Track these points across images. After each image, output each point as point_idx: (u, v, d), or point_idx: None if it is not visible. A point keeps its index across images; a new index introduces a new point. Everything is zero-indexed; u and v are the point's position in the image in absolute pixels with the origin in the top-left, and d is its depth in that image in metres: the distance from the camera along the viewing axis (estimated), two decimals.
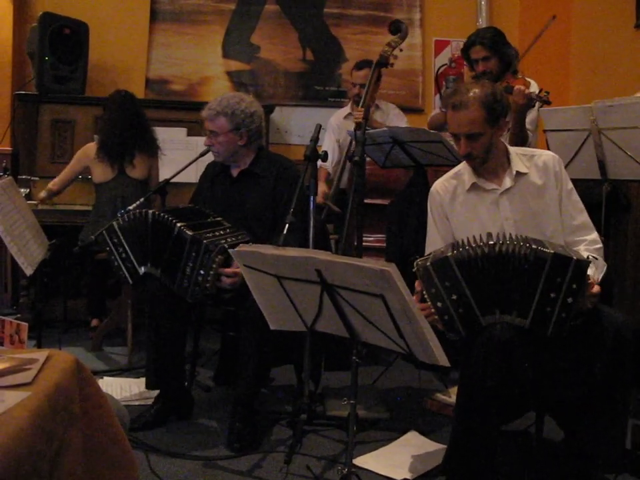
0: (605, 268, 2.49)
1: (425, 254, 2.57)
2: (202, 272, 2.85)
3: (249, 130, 3.19)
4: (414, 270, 2.31)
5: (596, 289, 2.28)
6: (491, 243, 2.28)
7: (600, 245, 2.54)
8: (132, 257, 3.08)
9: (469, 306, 2.27)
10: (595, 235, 2.56)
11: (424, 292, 2.30)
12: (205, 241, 2.85)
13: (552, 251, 2.21)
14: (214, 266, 2.84)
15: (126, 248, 3.07)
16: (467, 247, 2.28)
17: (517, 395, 2.41)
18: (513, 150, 2.63)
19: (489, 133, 2.50)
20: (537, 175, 2.57)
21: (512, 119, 3.59)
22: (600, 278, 2.42)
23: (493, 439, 2.34)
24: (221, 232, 2.97)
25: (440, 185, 2.71)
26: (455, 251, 2.28)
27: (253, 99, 3.29)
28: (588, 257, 2.28)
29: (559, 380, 2.39)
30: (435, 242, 2.66)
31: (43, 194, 4.27)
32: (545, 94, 3.36)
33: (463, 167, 2.68)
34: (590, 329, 2.31)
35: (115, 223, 3.08)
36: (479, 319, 2.28)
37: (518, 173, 2.56)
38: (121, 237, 3.07)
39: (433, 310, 2.28)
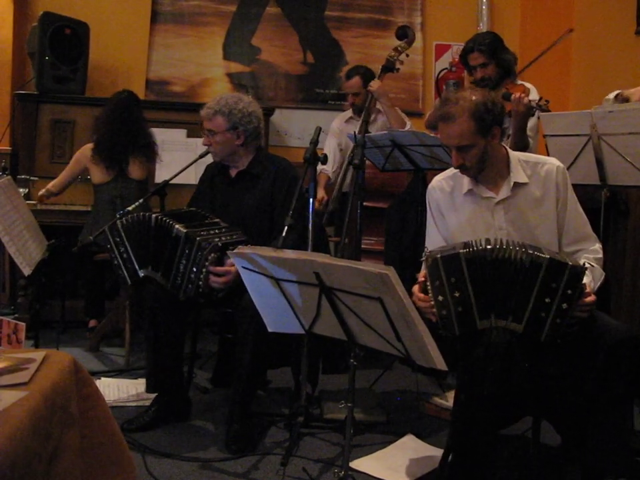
0: (603, 277, 2.47)
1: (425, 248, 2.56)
2: (195, 269, 2.86)
3: (246, 130, 3.19)
4: (422, 259, 2.31)
5: (591, 298, 2.26)
6: (498, 247, 2.27)
7: (600, 255, 2.51)
8: (133, 258, 3.07)
9: (469, 306, 2.26)
10: (597, 246, 2.53)
11: (427, 283, 2.28)
12: (198, 238, 2.87)
13: (548, 256, 2.21)
14: (207, 263, 2.85)
15: (128, 248, 3.07)
16: (479, 248, 2.27)
17: (514, 400, 2.41)
18: (515, 156, 2.56)
19: (481, 144, 2.42)
20: (537, 186, 2.51)
21: (512, 127, 3.59)
22: (596, 287, 2.41)
23: (490, 444, 2.34)
24: (216, 231, 2.98)
25: (438, 183, 2.67)
26: (467, 250, 2.27)
27: (251, 99, 3.29)
28: (584, 264, 2.26)
29: (553, 386, 2.39)
30: (434, 238, 2.64)
31: (42, 192, 4.24)
32: (545, 102, 3.35)
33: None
34: (586, 337, 2.30)
35: (118, 222, 3.08)
36: (475, 321, 2.28)
37: (516, 184, 2.51)
38: (124, 237, 3.07)
39: (432, 302, 2.26)
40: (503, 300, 2.27)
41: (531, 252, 2.23)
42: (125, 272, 3.10)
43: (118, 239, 3.08)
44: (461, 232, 2.55)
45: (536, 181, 2.52)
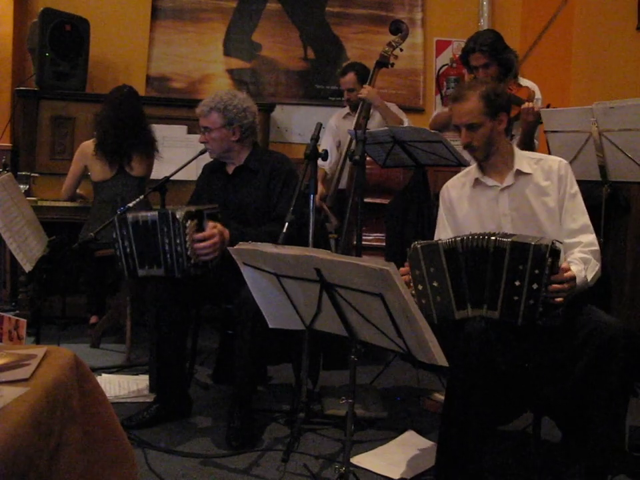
0: (598, 268, 2.49)
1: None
2: (178, 241, 2.90)
3: (241, 125, 3.20)
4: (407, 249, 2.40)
5: (568, 274, 2.30)
6: (468, 237, 2.34)
7: (596, 248, 2.53)
8: (136, 256, 3.05)
9: (447, 296, 2.36)
10: (592, 237, 2.56)
11: (409, 272, 2.39)
12: (169, 211, 2.92)
13: (509, 240, 2.28)
14: (187, 232, 2.89)
15: (133, 244, 3.04)
16: (458, 239, 2.36)
17: (510, 393, 2.42)
18: (520, 152, 2.70)
19: (489, 125, 2.58)
20: (542, 177, 2.62)
21: (521, 133, 3.59)
22: (591, 276, 2.44)
23: (480, 438, 2.34)
24: (188, 205, 3.04)
25: (451, 182, 2.82)
26: (448, 241, 2.36)
27: (246, 96, 3.31)
28: (552, 242, 2.27)
29: (541, 376, 2.42)
30: (442, 233, 2.73)
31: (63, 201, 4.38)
32: (547, 108, 3.38)
33: (473, 166, 2.75)
34: (578, 329, 2.32)
35: (129, 216, 3.05)
36: (453, 311, 2.36)
37: (519, 172, 2.62)
38: (131, 232, 3.04)
39: (412, 287, 2.36)
40: (477, 289, 2.34)
41: (494, 238, 2.31)
42: (124, 266, 3.09)
43: (125, 232, 3.05)
44: (468, 220, 2.67)
45: (540, 173, 2.63)
